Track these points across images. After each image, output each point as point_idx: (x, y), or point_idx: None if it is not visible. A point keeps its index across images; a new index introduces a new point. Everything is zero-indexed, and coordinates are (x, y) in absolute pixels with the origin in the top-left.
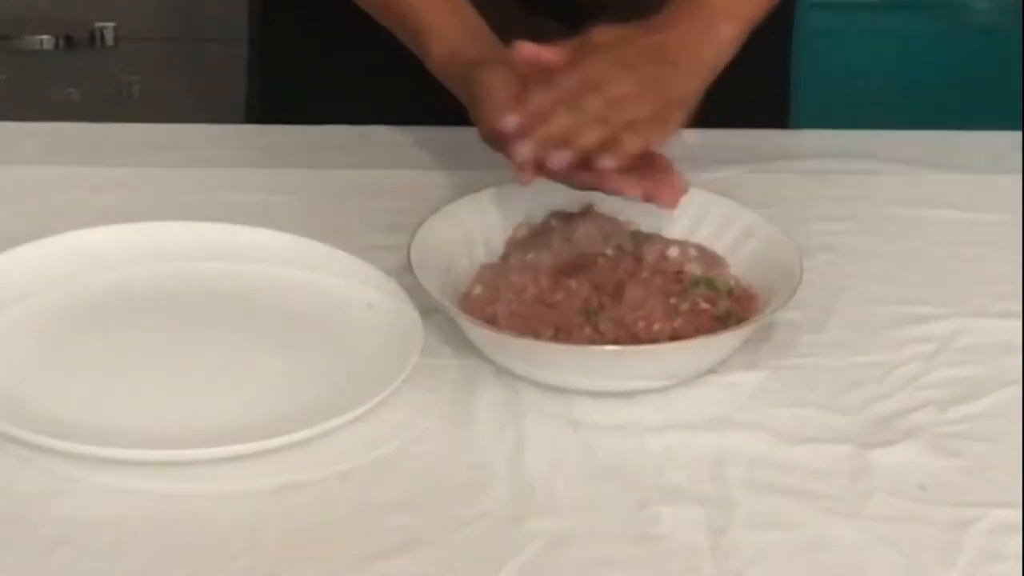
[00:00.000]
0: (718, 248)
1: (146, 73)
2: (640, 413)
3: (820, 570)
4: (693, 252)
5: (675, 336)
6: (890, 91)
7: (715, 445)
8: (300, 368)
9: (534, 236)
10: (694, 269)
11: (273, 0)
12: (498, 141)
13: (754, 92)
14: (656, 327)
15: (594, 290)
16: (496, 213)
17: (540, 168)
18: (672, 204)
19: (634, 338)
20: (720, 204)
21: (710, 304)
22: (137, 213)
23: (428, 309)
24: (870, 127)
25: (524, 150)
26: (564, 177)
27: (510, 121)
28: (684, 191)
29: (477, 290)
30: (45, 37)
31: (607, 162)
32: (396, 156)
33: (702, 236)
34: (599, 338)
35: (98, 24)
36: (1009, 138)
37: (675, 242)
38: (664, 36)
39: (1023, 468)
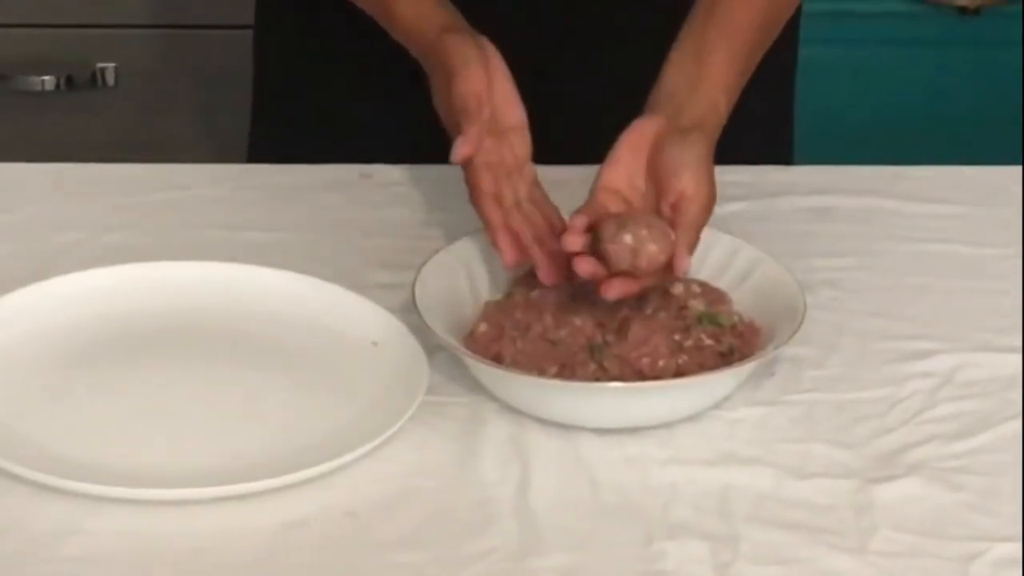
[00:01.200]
0: (721, 284)
1: (148, 113)
2: (645, 449)
3: None
4: (696, 289)
5: (679, 372)
6: (890, 126)
7: (720, 480)
8: (305, 406)
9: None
10: (697, 306)
11: (276, 39)
12: (456, 117)
13: (759, 129)
14: (660, 364)
15: (598, 327)
16: None
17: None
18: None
19: (639, 375)
20: (722, 240)
21: (714, 340)
22: (140, 253)
23: (433, 347)
24: (870, 162)
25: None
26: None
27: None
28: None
29: (482, 328)
30: (47, 78)
31: None
32: (398, 195)
33: (705, 273)
34: (604, 375)
35: (99, 64)
36: (1009, 172)
37: (678, 279)
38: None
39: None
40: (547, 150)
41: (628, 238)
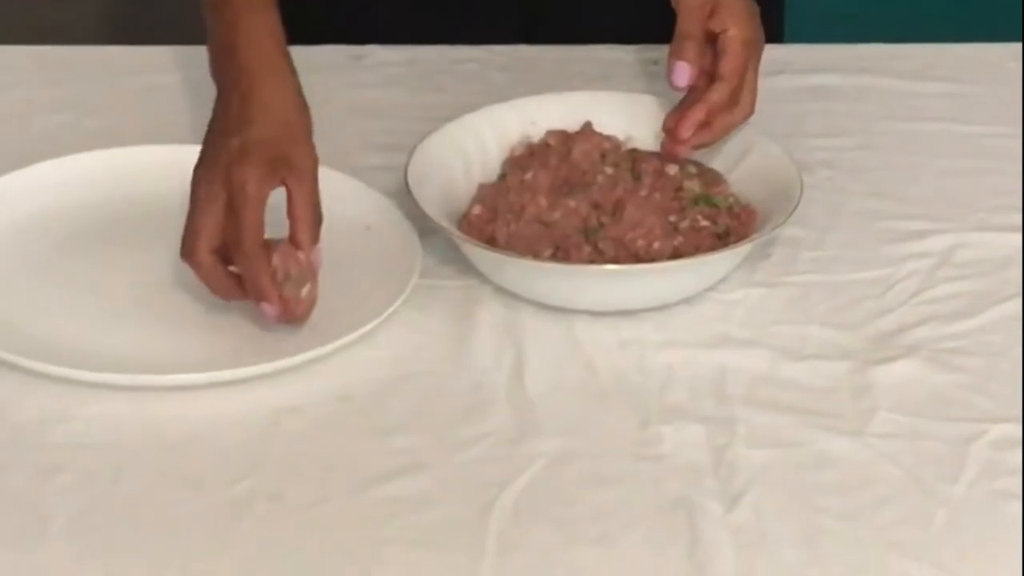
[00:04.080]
0: (717, 165)
1: None
2: (640, 332)
3: (823, 487)
4: (692, 169)
5: (675, 254)
6: (885, 3)
7: (716, 363)
8: None
9: (532, 155)
10: (693, 186)
11: None
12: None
13: None
14: (656, 245)
15: (593, 209)
16: (493, 132)
17: None
18: None
19: (634, 257)
20: None
21: (710, 221)
22: (126, 137)
23: (426, 230)
24: (865, 41)
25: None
26: None
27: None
28: None
29: (476, 210)
30: None
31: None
32: (390, 76)
33: (700, 154)
34: (598, 257)
35: None
36: (1006, 50)
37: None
38: None
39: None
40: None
41: None
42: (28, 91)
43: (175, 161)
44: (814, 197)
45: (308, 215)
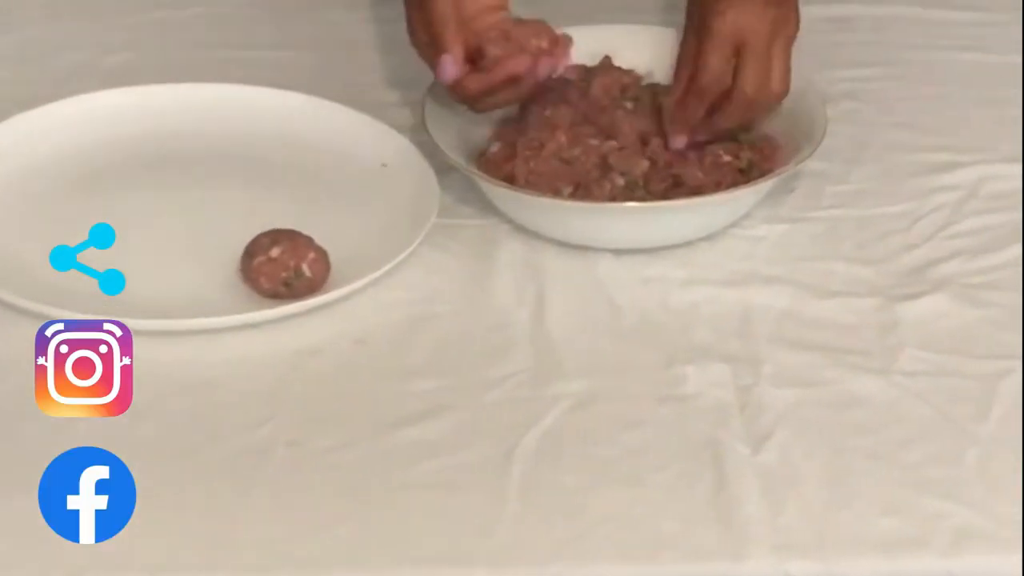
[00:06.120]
0: None
1: None
2: (663, 269)
3: (851, 426)
4: None
5: (697, 191)
6: None
7: (740, 301)
8: (313, 230)
9: (551, 91)
10: None
11: None
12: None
13: None
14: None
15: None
16: None
17: None
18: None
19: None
20: None
21: (732, 156)
22: (145, 75)
23: (444, 168)
24: None
25: None
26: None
27: None
28: None
29: (494, 148)
30: None
31: None
32: None
33: None
34: (620, 194)
35: None
36: None
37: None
38: None
39: None
40: None
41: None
42: (42, 30)
43: (193, 98)
44: (838, 130)
45: None
